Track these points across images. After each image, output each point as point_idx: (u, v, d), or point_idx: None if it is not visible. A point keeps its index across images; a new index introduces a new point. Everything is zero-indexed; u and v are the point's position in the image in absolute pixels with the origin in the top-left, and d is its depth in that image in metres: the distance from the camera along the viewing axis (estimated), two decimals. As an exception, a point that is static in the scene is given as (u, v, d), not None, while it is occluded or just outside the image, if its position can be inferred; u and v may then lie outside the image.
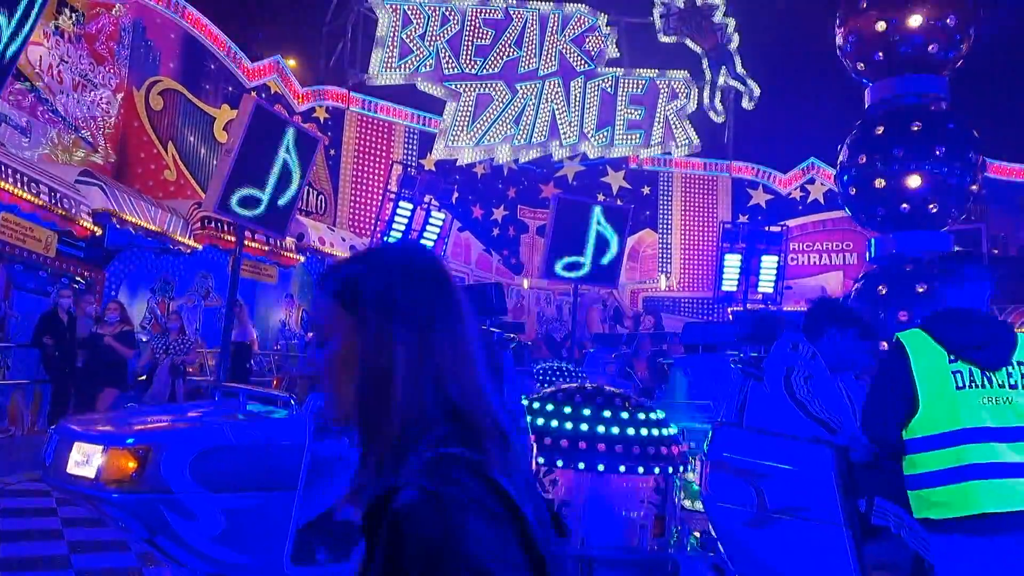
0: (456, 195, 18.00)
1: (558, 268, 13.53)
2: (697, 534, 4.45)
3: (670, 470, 4.18)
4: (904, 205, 10.34)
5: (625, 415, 4.21)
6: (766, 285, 15.32)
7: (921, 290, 9.89)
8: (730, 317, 14.60)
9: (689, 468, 4.53)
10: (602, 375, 9.06)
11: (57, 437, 3.68)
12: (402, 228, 13.39)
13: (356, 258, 1.09)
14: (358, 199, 17.30)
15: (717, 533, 3.43)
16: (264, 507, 3.46)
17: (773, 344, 3.44)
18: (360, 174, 17.43)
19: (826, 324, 3.37)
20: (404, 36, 17.60)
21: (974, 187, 10.42)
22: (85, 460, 3.40)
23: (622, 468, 4.04)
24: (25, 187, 8.81)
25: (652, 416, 4.29)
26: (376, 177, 17.17)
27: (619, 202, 17.52)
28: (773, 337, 3.48)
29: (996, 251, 16.66)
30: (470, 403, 1.01)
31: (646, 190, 19.84)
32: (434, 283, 1.05)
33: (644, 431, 4.16)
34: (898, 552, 3.21)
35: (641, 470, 4.07)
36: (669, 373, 6.89)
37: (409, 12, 17.64)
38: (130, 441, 3.40)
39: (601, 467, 4.03)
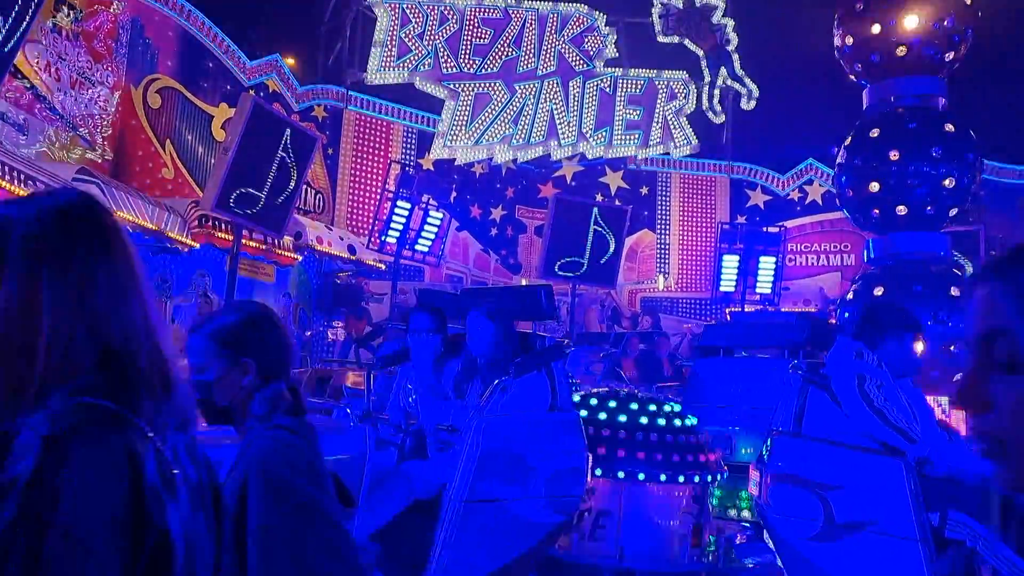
0: (454, 195, 17.99)
1: (556, 268, 13.55)
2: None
3: (709, 478, 4.05)
4: (901, 207, 10.36)
5: (662, 421, 4.05)
6: (764, 286, 15.35)
7: (878, 292, 9.98)
8: (728, 317, 14.62)
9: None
10: (586, 375, 8.98)
11: None
12: (400, 227, 13.38)
13: (5, 203, 1.05)
14: (356, 198, 17.28)
15: (777, 547, 3.31)
16: None
17: (831, 351, 3.32)
18: (358, 173, 17.41)
19: (883, 329, 3.26)
20: (403, 35, 17.59)
21: (973, 188, 10.43)
22: None
23: (663, 477, 3.89)
24: (22, 184, 8.80)
25: (687, 422, 4.16)
26: (374, 176, 17.16)
27: (617, 202, 17.52)
28: (826, 343, 3.38)
29: (994, 253, 16.66)
30: (132, 353, 0.98)
31: (644, 190, 19.84)
32: (90, 229, 1.02)
33: (683, 437, 4.02)
34: (954, 565, 3.10)
35: (682, 479, 3.92)
36: (688, 376, 6.61)
37: (408, 11, 17.63)
38: None
39: (642, 476, 3.88)
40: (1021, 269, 0.70)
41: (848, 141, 10.68)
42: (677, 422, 4.11)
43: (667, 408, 4.22)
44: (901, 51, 10.51)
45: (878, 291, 10.13)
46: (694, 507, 4.02)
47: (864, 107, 11.28)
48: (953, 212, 10.54)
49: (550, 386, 3.63)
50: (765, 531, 3.44)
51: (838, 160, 11.21)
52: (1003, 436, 0.69)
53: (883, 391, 3.02)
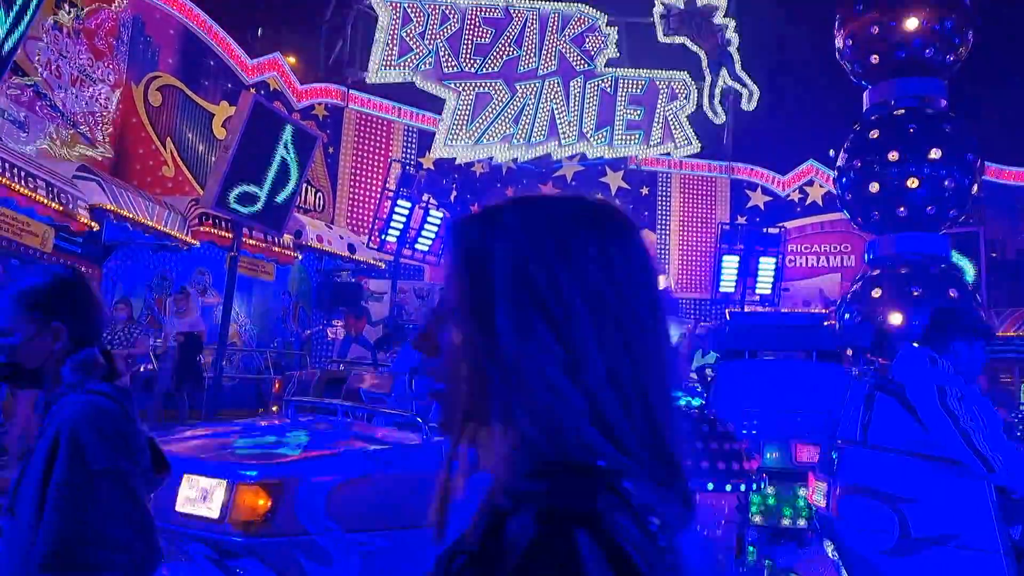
0: (454, 194, 17.96)
1: (556, 268, 13.54)
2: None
3: (754, 487, 3.93)
4: (902, 208, 10.36)
5: (706, 427, 3.89)
6: (764, 287, 15.34)
7: (916, 294, 9.94)
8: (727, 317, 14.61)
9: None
10: None
11: None
12: (400, 226, 13.38)
13: None
14: (356, 197, 17.28)
15: (846, 560, 3.20)
16: (400, 547, 2.94)
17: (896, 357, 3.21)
18: (358, 172, 17.41)
19: (953, 335, 3.13)
20: (404, 34, 17.58)
21: (973, 189, 10.43)
22: (202, 496, 2.86)
23: (710, 486, 3.73)
24: (22, 182, 8.80)
25: (727, 428, 4.04)
26: (375, 175, 17.16)
27: (618, 202, 17.47)
28: (885, 348, 3.29)
29: (994, 255, 16.68)
30: None
31: (645, 190, 19.84)
32: None
33: (727, 444, 3.88)
34: None
35: (729, 487, 3.77)
36: (713, 380, 6.37)
37: (409, 10, 17.63)
38: (257, 475, 2.84)
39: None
40: (455, 237, 0.76)
41: (878, 133, 10.65)
42: (719, 428, 3.95)
43: (708, 413, 4.07)
44: (900, 53, 10.51)
45: (876, 293, 10.16)
46: (737, 516, 3.86)
47: (864, 108, 11.28)
48: (962, 219, 10.56)
49: None
50: (829, 543, 3.32)
51: (838, 162, 11.22)
52: (442, 378, 0.75)
53: (964, 404, 2.90)
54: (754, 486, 3.93)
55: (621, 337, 0.68)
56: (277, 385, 10.25)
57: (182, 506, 2.84)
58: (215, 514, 2.77)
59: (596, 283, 0.69)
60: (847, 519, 3.15)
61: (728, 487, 3.78)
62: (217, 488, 2.82)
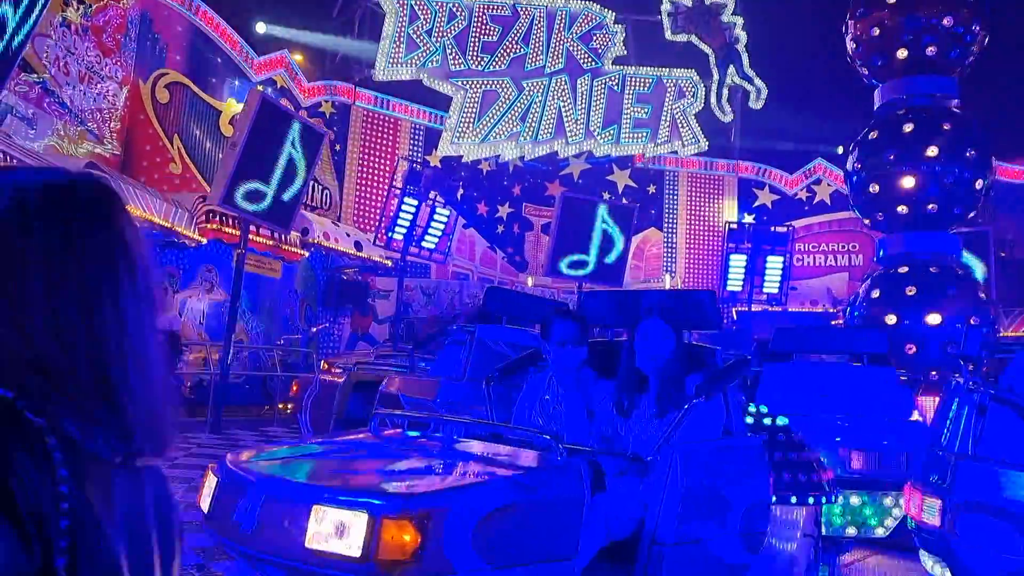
0: (461, 192, 17.97)
1: (562, 266, 13.53)
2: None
3: (833, 499, 3.74)
4: (902, 207, 10.30)
5: (782, 436, 3.70)
6: (771, 286, 15.30)
7: (911, 292, 9.89)
8: (735, 317, 14.57)
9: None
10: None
11: (261, 493, 2.72)
12: (407, 224, 13.38)
13: None
14: (363, 195, 17.28)
15: None
16: None
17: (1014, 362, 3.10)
18: (365, 169, 17.41)
19: None
20: (411, 31, 17.57)
21: (984, 188, 10.36)
22: (336, 531, 2.57)
23: (794, 499, 3.53)
24: (30, 178, 8.82)
25: (800, 437, 3.85)
26: (381, 173, 17.16)
27: (624, 201, 17.48)
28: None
29: (1004, 254, 16.58)
30: None
31: (652, 189, 19.80)
32: None
33: (804, 455, 3.72)
34: None
35: (811, 500, 3.58)
36: (757, 383, 6.05)
37: (416, 8, 17.62)
38: (403, 506, 2.56)
39: (773, 499, 3.49)
40: None
41: (889, 132, 10.56)
42: (794, 437, 3.76)
43: (780, 422, 3.87)
44: (910, 51, 10.44)
45: (875, 294, 10.12)
46: (814, 530, 3.68)
47: (876, 107, 11.21)
48: (972, 218, 10.47)
49: (725, 407, 3.19)
50: (931, 560, 3.20)
51: (847, 162, 11.17)
52: None
53: None
54: (834, 498, 3.75)
55: (78, 297, 0.77)
56: (295, 387, 10.16)
57: (313, 543, 2.54)
58: (356, 552, 2.47)
59: (50, 248, 0.77)
60: (967, 538, 3.01)
61: (811, 499, 3.59)
62: (356, 521, 2.51)
